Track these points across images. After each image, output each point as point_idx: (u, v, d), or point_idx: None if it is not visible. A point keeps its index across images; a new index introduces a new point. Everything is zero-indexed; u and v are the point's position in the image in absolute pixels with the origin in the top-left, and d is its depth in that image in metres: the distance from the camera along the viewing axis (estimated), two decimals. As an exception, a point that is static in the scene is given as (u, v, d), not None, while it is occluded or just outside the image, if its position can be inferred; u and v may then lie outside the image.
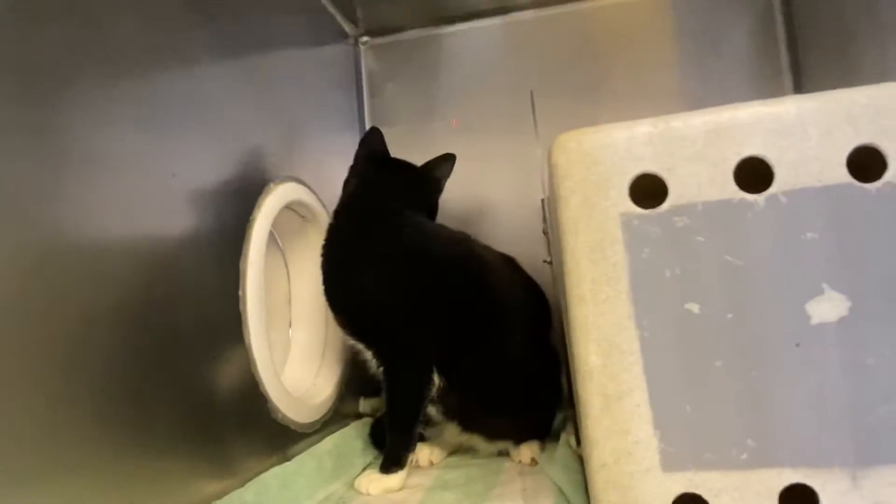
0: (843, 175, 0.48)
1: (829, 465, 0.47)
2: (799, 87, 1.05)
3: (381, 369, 0.77)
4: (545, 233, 0.91)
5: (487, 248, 0.90)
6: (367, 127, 1.18)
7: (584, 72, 1.12)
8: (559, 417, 0.90)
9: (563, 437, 0.81)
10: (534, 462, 0.81)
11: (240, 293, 0.70)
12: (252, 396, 0.71)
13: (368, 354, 0.79)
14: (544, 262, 0.90)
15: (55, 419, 0.45)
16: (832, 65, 0.94)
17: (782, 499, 0.48)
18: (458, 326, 0.77)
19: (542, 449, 0.83)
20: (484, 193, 1.14)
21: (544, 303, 0.92)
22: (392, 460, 0.75)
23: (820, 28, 0.98)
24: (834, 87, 0.50)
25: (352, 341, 0.81)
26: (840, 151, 0.48)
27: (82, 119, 0.51)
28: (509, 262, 0.93)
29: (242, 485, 0.64)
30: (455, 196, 1.14)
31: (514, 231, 1.10)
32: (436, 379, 0.76)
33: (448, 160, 0.90)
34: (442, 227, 0.88)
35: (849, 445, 0.47)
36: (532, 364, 0.84)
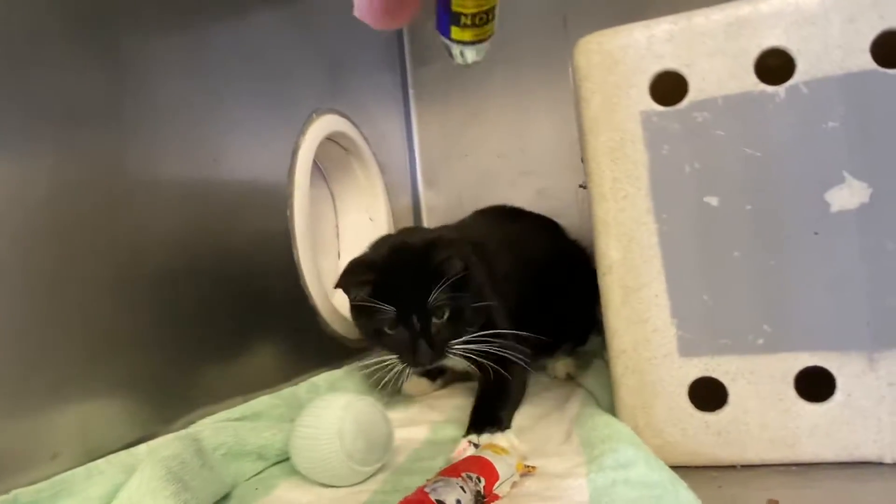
0: (867, 62, 0.48)
1: (845, 349, 0.48)
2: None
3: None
4: (583, 161, 0.92)
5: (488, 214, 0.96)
6: (408, 64, 1.20)
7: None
8: (596, 341, 0.92)
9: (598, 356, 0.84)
10: (569, 377, 0.84)
11: (287, 212, 0.75)
12: (303, 309, 0.77)
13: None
14: (580, 186, 0.91)
15: (135, 333, 0.53)
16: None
17: (798, 383, 0.50)
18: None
19: (577, 366, 0.86)
20: (523, 126, 1.15)
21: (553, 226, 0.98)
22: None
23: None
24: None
25: None
26: (864, 38, 0.48)
27: (149, 68, 0.57)
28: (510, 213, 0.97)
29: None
30: (496, 129, 1.16)
31: (553, 161, 1.11)
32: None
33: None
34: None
35: (865, 329, 0.48)
36: (563, 282, 0.90)
